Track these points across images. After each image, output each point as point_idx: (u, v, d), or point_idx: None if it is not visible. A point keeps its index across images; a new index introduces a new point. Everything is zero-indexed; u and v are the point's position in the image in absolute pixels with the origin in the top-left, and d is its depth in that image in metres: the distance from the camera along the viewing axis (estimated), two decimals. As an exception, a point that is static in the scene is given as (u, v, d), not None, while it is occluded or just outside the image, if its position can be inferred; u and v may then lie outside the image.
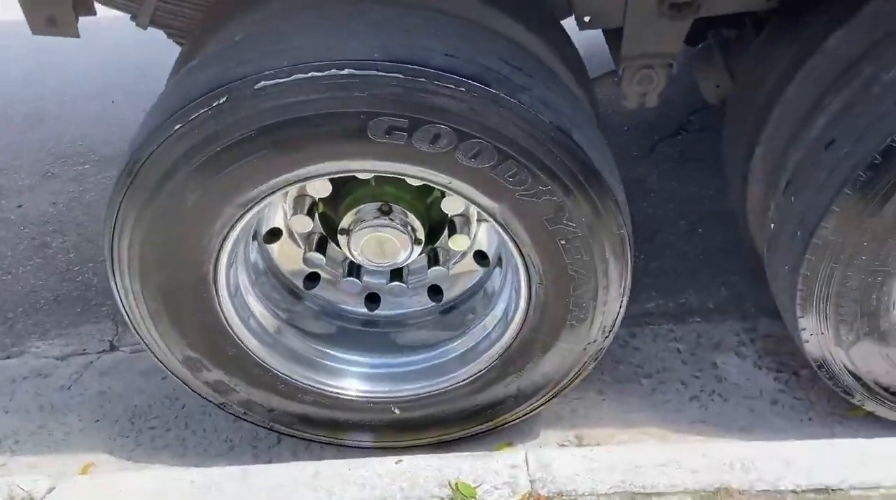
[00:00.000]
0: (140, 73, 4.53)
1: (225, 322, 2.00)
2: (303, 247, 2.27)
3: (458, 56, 1.61)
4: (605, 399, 2.57)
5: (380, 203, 2.06)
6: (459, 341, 2.19)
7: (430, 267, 2.27)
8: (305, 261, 2.25)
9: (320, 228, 2.22)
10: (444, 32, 1.71)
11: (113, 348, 2.90)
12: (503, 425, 2.35)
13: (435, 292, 2.39)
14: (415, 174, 1.72)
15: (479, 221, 2.17)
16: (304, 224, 2.16)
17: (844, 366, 2.15)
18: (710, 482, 2.08)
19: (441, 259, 2.27)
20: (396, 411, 2.25)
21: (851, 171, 1.78)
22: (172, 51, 2.55)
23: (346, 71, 1.55)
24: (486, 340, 2.13)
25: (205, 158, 1.65)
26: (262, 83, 1.57)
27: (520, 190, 1.71)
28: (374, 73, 1.55)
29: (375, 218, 2.05)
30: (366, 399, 2.15)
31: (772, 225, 2.08)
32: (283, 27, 1.69)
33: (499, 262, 2.20)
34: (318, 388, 2.13)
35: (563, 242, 1.81)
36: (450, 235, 2.18)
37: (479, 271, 2.33)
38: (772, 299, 2.82)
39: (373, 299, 2.42)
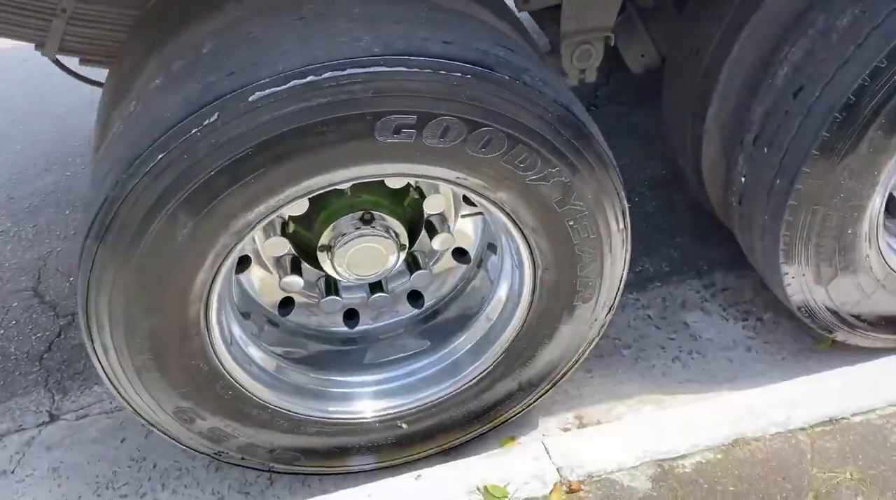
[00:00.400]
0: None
1: (220, 365, 1.82)
2: (274, 272, 2.11)
3: (455, 43, 1.53)
4: (593, 376, 2.57)
5: (360, 212, 1.94)
6: (464, 337, 2.10)
7: (411, 272, 2.17)
8: (283, 286, 2.09)
9: (293, 250, 2.07)
10: (430, 21, 1.62)
11: (53, 418, 2.61)
12: (506, 421, 2.29)
13: (414, 297, 2.30)
14: (423, 173, 1.63)
15: (462, 216, 2.10)
16: (280, 247, 2.01)
17: (823, 303, 2.25)
18: (727, 434, 2.12)
19: (420, 262, 2.18)
20: (404, 426, 2.14)
21: (827, 114, 1.85)
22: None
23: (347, 71, 1.43)
24: (492, 333, 2.06)
25: (197, 186, 1.48)
26: (257, 94, 1.42)
27: (530, 175, 1.65)
28: (378, 69, 1.44)
29: (357, 229, 1.93)
30: (379, 418, 2.03)
31: (742, 179, 2.14)
32: (261, 33, 1.53)
33: (491, 251, 2.13)
34: (327, 417, 1.98)
35: (571, 222, 1.77)
36: (430, 236, 2.10)
37: (461, 268, 2.26)
38: (722, 253, 2.94)
39: (350, 316, 2.29)
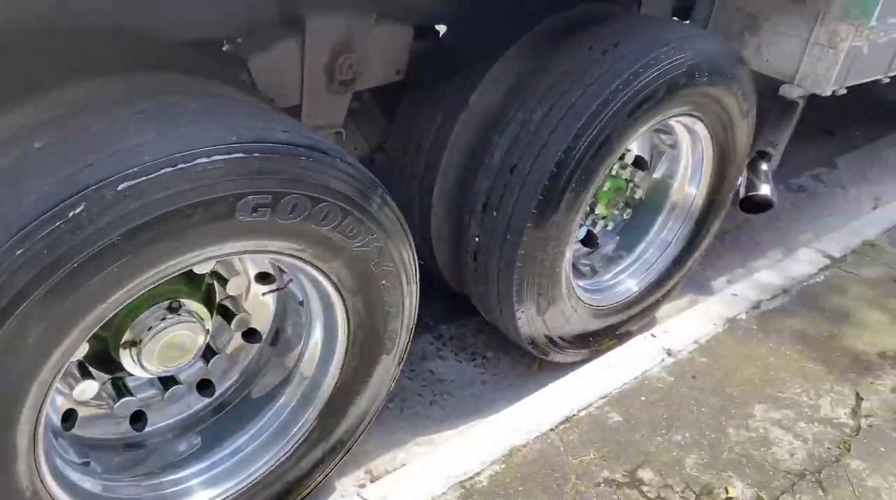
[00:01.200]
0: None
1: (43, 487, 1.61)
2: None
3: (291, 131, 1.69)
4: (371, 431, 2.75)
5: (167, 302, 1.92)
6: (278, 406, 2.15)
7: (207, 359, 2.16)
8: (77, 395, 1.91)
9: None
10: (259, 114, 1.74)
11: None
12: (312, 490, 2.35)
13: (204, 386, 2.26)
14: (270, 248, 1.71)
15: (263, 295, 2.17)
16: (81, 349, 1.85)
17: (542, 331, 2.80)
18: (503, 447, 2.50)
19: (215, 347, 2.19)
20: (227, 514, 2.07)
21: (538, 183, 2.40)
22: None
23: (214, 157, 1.49)
24: (307, 395, 2.15)
25: (57, 280, 1.36)
26: (127, 183, 1.40)
27: (355, 243, 1.85)
28: (239, 156, 1.53)
29: (164, 319, 1.90)
30: (214, 507, 1.95)
31: (476, 239, 2.60)
32: (103, 126, 1.48)
33: (300, 304, 2.20)
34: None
35: (384, 282, 2.00)
36: (228, 319, 2.14)
37: (254, 346, 2.30)
38: (441, 308, 3.40)
39: (138, 418, 2.16)
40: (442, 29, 3.07)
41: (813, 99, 3.67)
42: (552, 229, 2.51)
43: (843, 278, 3.71)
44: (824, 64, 3.46)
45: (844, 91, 3.59)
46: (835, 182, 5.13)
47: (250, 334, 2.25)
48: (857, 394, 2.97)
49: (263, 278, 2.16)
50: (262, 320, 2.24)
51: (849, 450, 2.69)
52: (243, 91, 2.03)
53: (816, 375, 3.05)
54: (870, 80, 3.74)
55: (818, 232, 4.34)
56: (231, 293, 2.09)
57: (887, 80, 3.87)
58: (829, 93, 3.52)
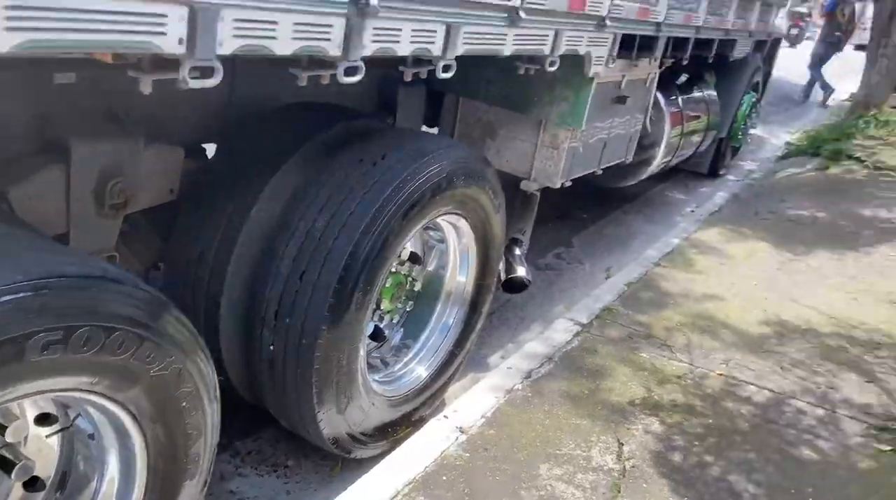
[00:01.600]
0: None
1: None
2: None
3: (78, 264, 1.62)
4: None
5: None
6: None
7: (-21, 521, 1.92)
8: None
9: None
10: (43, 249, 1.65)
11: None
12: None
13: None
14: (63, 386, 1.59)
15: (47, 437, 1.98)
16: None
17: (344, 430, 2.84)
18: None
19: (-11, 504, 1.95)
20: None
21: (328, 286, 2.50)
22: None
23: (-2, 299, 1.40)
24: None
25: None
26: None
27: (154, 368, 1.80)
28: (26, 294, 1.45)
29: None
30: None
31: (271, 347, 2.62)
32: None
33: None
34: None
35: (184, 403, 1.94)
36: (6, 470, 1.93)
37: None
38: (232, 426, 3.29)
39: None
40: (210, 147, 3.11)
41: (545, 190, 4.27)
42: (346, 329, 2.61)
43: (593, 340, 4.23)
44: (551, 162, 4.07)
45: (570, 183, 4.22)
46: (573, 259, 5.87)
47: (32, 483, 2.03)
48: (619, 440, 3.37)
49: (44, 418, 1.98)
50: (47, 465, 2.03)
51: (619, 492, 3.04)
52: (11, 223, 1.92)
53: (584, 429, 3.42)
54: (587, 172, 4.44)
55: (567, 303, 4.92)
56: (9, 441, 1.89)
57: (601, 172, 4.61)
58: (558, 185, 4.12)
